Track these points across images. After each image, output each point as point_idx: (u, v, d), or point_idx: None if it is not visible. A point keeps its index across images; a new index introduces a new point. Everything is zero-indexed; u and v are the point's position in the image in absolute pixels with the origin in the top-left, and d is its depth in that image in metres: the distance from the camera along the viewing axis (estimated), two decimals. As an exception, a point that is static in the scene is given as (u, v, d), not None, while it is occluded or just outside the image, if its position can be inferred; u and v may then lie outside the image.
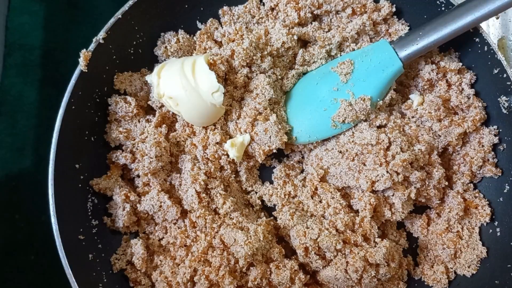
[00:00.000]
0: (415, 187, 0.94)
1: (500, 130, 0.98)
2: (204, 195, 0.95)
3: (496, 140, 0.98)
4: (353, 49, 1.02)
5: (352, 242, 0.92)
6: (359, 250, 0.90)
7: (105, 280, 0.91)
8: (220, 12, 1.05)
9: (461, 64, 1.00)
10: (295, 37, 1.00)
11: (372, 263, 0.90)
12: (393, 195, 0.94)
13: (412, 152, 0.94)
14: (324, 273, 0.91)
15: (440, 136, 0.98)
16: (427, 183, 0.95)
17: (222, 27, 1.04)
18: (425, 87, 1.00)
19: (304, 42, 1.04)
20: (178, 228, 0.96)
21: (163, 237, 0.97)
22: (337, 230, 0.93)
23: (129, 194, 0.95)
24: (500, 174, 0.98)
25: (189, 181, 0.95)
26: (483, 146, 0.98)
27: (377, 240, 0.93)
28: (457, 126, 0.97)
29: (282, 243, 0.97)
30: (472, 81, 0.99)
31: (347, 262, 0.89)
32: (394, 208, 0.95)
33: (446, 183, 0.98)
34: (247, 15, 1.04)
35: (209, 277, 0.89)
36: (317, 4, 1.01)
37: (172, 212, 0.94)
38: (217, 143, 0.96)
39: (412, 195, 0.94)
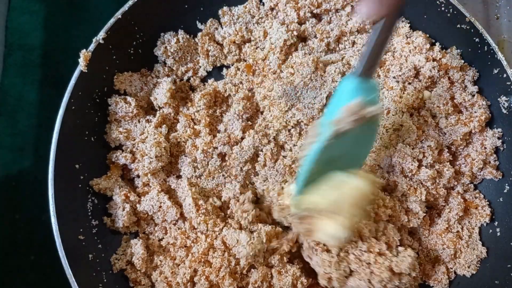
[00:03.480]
0: (425, 188, 0.95)
1: (500, 130, 0.98)
2: (201, 202, 0.94)
3: (499, 143, 0.97)
4: (353, 42, 1.02)
5: (377, 251, 0.88)
6: (384, 260, 0.87)
7: (105, 280, 0.91)
8: (220, 12, 1.05)
9: (463, 61, 0.99)
10: (295, 33, 1.00)
11: (396, 273, 0.87)
12: (407, 200, 0.95)
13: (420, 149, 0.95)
14: (347, 284, 0.90)
15: (445, 133, 0.98)
16: (437, 181, 0.95)
17: (222, 28, 1.05)
18: (427, 84, 1.00)
19: (302, 39, 1.04)
20: (178, 228, 0.95)
21: (163, 238, 0.97)
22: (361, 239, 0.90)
23: (129, 194, 0.95)
24: (500, 177, 0.98)
25: (186, 189, 0.95)
26: (485, 148, 0.98)
27: (400, 248, 0.90)
28: (463, 126, 0.97)
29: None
30: (475, 78, 0.99)
31: (371, 272, 0.87)
32: (411, 213, 0.95)
33: (456, 183, 0.98)
34: (247, 15, 1.04)
35: (209, 278, 0.89)
36: (317, 4, 1.01)
37: (171, 213, 0.94)
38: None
39: (423, 197, 0.94)
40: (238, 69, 1.03)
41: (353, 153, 0.87)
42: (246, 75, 1.02)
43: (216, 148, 0.97)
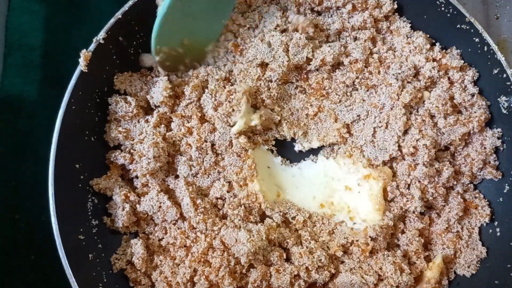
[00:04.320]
0: (422, 185, 0.95)
1: (500, 130, 0.98)
2: (199, 201, 0.94)
3: (499, 143, 0.97)
4: (355, 37, 1.02)
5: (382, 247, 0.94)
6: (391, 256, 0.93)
7: (105, 280, 0.91)
8: None
9: (463, 61, 0.99)
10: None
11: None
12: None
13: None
14: (339, 280, 0.91)
15: (444, 133, 0.98)
16: (436, 180, 0.95)
17: None
18: (427, 85, 0.99)
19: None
20: (178, 228, 0.95)
21: (163, 238, 0.96)
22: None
23: (128, 194, 0.95)
24: (500, 177, 0.98)
25: (184, 189, 0.95)
26: (485, 148, 0.98)
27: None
28: (462, 126, 0.97)
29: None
30: (474, 78, 0.99)
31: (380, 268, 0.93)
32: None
33: (455, 182, 0.98)
34: (242, 6, 1.03)
35: (209, 278, 0.89)
36: (317, 1, 1.01)
37: (171, 213, 0.94)
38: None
39: (417, 196, 0.94)
40: (227, 49, 1.03)
41: (210, 17, 0.97)
42: (233, 56, 1.02)
43: (206, 141, 0.97)
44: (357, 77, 1.00)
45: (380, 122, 0.98)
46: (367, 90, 1.01)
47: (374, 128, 0.99)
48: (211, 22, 0.99)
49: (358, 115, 1.00)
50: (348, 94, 1.02)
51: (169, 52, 0.97)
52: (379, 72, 1.00)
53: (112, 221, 0.95)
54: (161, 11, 0.91)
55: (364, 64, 1.00)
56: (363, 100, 1.00)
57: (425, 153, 0.94)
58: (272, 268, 0.91)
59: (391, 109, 0.97)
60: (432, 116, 0.99)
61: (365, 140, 0.99)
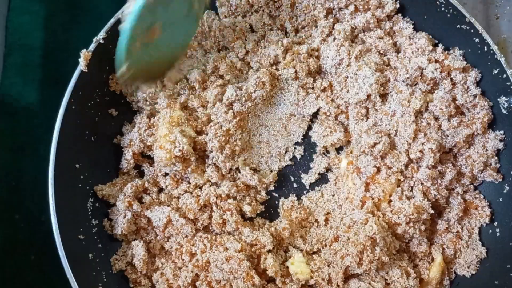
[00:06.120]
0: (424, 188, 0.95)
1: (502, 133, 0.97)
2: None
3: (501, 145, 0.97)
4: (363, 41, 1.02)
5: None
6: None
7: (105, 280, 0.91)
8: (217, 3, 1.03)
9: (465, 62, 0.98)
10: None
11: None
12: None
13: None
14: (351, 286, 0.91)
15: (448, 136, 0.97)
16: (439, 182, 0.95)
17: (220, 18, 1.04)
18: (430, 86, 0.99)
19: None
20: (185, 236, 0.94)
21: (165, 243, 0.96)
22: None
23: (132, 202, 0.93)
24: (501, 180, 0.98)
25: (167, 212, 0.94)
26: (487, 150, 0.97)
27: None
28: (465, 128, 0.96)
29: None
30: (477, 79, 0.98)
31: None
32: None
33: (456, 183, 0.98)
34: (245, 5, 1.03)
35: (211, 284, 0.88)
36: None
37: (187, 230, 0.93)
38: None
39: (420, 197, 0.94)
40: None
41: (174, 36, 0.92)
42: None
43: None
44: None
45: (390, 130, 0.97)
46: (381, 99, 0.99)
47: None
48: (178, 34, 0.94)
49: (374, 124, 0.98)
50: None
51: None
52: (389, 80, 0.99)
53: (111, 226, 0.95)
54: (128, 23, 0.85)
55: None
56: (376, 110, 0.99)
57: (431, 157, 0.94)
58: (278, 281, 0.89)
59: (402, 116, 0.96)
60: (436, 119, 0.98)
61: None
